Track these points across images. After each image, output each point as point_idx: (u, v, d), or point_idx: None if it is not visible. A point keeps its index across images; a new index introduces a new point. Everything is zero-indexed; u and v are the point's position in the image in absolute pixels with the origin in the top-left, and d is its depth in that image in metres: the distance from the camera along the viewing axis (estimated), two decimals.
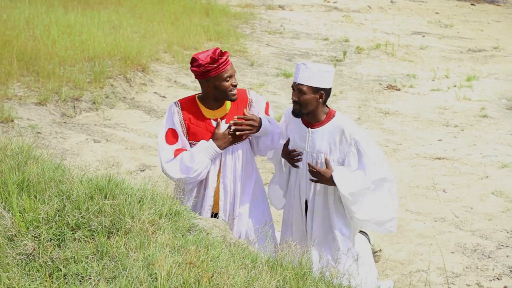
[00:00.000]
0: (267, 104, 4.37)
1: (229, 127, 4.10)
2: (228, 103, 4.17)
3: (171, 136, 4.11)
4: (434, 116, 9.08)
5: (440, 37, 14.52)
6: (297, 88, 4.00)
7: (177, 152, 4.09)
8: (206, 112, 4.14)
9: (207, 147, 4.06)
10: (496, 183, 6.68)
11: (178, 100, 4.20)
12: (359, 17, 16.44)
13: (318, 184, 4.16)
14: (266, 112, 4.34)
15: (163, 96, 9.29)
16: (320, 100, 4.02)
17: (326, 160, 4.08)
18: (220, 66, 3.93)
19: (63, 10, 12.17)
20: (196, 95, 4.20)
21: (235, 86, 4.05)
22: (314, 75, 3.95)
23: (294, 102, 4.05)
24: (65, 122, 7.90)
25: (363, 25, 15.58)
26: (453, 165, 7.23)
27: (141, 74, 9.81)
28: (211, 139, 4.08)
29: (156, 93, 9.47)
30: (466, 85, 10.61)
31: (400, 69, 11.72)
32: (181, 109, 4.12)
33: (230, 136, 4.10)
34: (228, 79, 3.99)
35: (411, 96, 10.15)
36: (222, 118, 4.14)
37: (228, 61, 3.98)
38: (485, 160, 7.35)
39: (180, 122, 4.10)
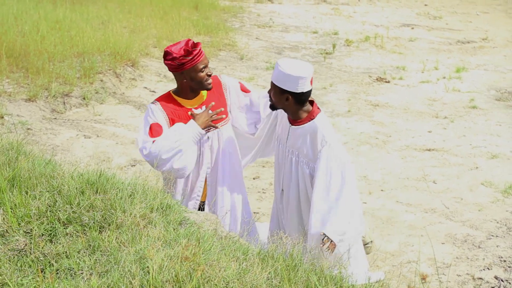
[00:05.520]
0: (240, 84, 4.36)
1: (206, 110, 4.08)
2: (204, 91, 4.17)
3: (156, 128, 3.99)
4: (423, 108, 9.12)
5: (429, 29, 14.56)
6: (271, 84, 4.00)
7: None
8: (185, 103, 4.12)
9: (189, 125, 3.98)
10: (486, 174, 6.72)
11: (155, 99, 4.14)
12: (348, 9, 16.46)
13: (293, 175, 4.17)
14: (245, 91, 4.34)
15: (153, 91, 9.28)
16: (287, 102, 3.93)
17: None
18: (195, 57, 3.92)
19: (52, 6, 12.13)
20: (171, 91, 4.18)
21: (210, 75, 4.06)
22: (280, 76, 3.86)
23: (269, 95, 4.07)
24: (55, 118, 7.88)
25: (352, 17, 15.60)
26: (443, 156, 7.27)
27: (131, 69, 9.79)
28: (191, 120, 4.01)
29: (146, 88, 9.46)
30: (455, 76, 10.66)
31: (390, 61, 11.76)
32: (162, 106, 4.06)
33: (209, 116, 4.05)
34: (203, 69, 3.99)
35: (400, 88, 10.18)
36: (201, 105, 4.14)
37: (201, 52, 3.97)
38: (474, 151, 7.39)
39: (165, 118, 4.03)
